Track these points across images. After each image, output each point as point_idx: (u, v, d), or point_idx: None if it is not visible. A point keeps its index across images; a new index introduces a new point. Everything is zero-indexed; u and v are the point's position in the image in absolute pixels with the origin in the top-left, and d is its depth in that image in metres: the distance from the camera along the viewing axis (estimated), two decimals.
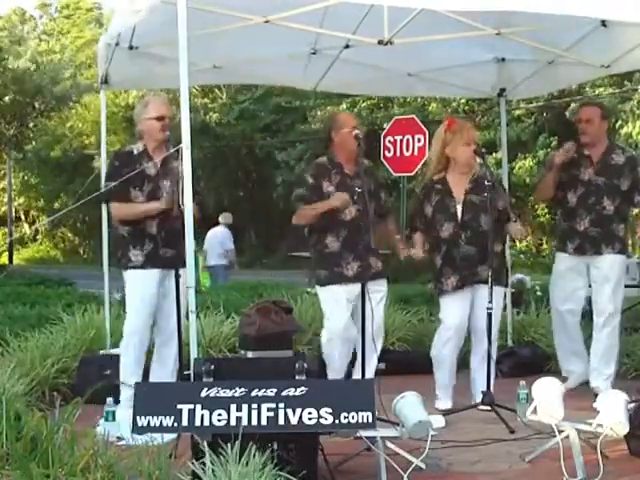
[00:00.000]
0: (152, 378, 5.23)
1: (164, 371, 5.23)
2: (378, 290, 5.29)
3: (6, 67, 21.95)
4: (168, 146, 5.06)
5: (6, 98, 22.03)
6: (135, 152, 5.22)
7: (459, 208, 5.43)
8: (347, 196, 5.16)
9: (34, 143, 28.86)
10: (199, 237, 16.32)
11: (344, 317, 5.27)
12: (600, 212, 5.80)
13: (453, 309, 5.46)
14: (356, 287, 5.21)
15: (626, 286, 7.27)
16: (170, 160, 4.99)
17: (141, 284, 5.17)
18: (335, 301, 5.29)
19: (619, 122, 19.33)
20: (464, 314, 5.46)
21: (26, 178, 36.94)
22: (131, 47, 5.68)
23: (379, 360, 6.55)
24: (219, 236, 15.21)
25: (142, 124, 5.24)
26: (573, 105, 19.52)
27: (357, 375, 5.27)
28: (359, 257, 5.23)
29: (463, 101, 21.06)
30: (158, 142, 5.18)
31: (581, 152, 5.92)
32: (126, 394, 4.99)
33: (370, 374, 5.25)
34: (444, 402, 5.46)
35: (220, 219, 15.50)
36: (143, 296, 5.16)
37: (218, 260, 15.13)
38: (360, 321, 5.16)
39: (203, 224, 16.22)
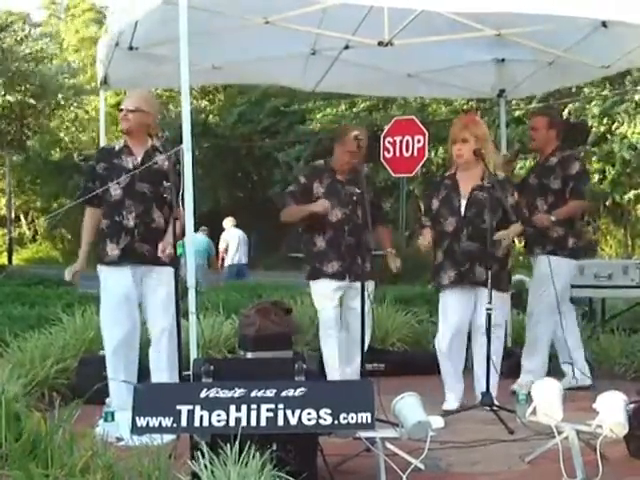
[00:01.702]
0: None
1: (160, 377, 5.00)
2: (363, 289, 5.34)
3: (7, 66, 21.93)
4: (154, 144, 5.05)
5: (9, 97, 21.96)
6: (116, 148, 5.12)
7: (463, 203, 5.37)
8: (328, 204, 5.41)
9: (34, 143, 28.79)
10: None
11: (328, 310, 5.50)
12: (533, 212, 5.91)
13: (453, 304, 5.40)
14: (336, 283, 5.47)
15: (626, 287, 7.29)
16: (154, 159, 4.93)
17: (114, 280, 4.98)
18: (320, 294, 5.58)
19: (615, 123, 19.37)
20: (464, 312, 5.40)
21: (24, 180, 36.86)
22: (131, 47, 5.68)
23: (378, 361, 6.55)
24: (243, 237, 15.78)
25: None
26: (571, 105, 19.51)
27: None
28: (341, 257, 5.48)
29: (463, 102, 21.04)
30: (132, 136, 5.04)
31: (537, 160, 6.32)
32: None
33: (354, 374, 5.35)
34: (451, 403, 5.41)
35: (230, 223, 15.86)
36: (114, 294, 4.97)
37: (245, 259, 15.85)
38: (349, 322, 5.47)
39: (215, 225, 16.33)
